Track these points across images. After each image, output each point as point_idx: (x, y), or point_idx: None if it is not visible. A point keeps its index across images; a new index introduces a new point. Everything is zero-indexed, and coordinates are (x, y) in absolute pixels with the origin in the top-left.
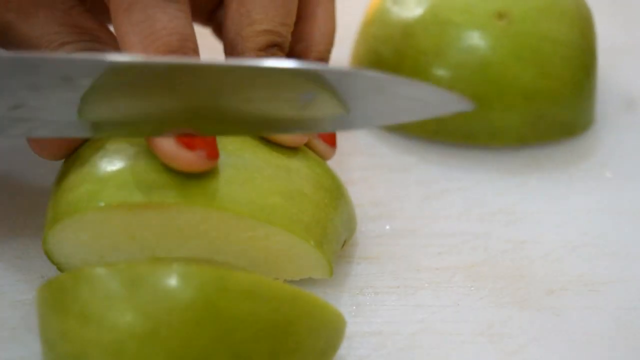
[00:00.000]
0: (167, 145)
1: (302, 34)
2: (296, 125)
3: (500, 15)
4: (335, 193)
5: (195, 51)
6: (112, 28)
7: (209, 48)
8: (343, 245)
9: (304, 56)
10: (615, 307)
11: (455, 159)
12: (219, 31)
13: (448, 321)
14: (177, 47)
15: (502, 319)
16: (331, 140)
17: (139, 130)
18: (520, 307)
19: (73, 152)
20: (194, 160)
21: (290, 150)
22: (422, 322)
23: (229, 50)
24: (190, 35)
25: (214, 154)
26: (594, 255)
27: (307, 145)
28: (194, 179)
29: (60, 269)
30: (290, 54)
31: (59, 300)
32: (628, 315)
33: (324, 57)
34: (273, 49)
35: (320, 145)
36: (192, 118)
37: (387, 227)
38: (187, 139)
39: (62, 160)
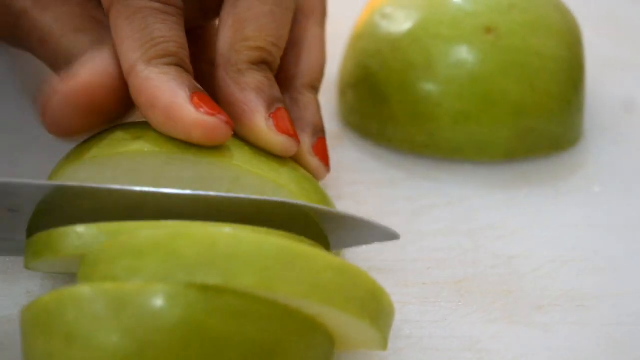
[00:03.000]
0: (188, 113)
1: (296, 58)
2: None
3: (489, 30)
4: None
5: (188, 57)
6: None
7: None
8: None
9: (296, 81)
10: (604, 322)
11: (444, 174)
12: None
13: (436, 337)
14: (174, 52)
15: (490, 335)
16: (325, 159)
17: None
18: (509, 322)
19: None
20: (217, 125)
21: (279, 165)
22: (409, 337)
23: (223, 63)
24: (185, 44)
25: (229, 120)
26: (582, 271)
27: (299, 161)
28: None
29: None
30: (284, 79)
31: (43, 322)
32: (617, 331)
33: (316, 86)
34: (263, 65)
35: (314, 161)
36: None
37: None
38: (205, 106)
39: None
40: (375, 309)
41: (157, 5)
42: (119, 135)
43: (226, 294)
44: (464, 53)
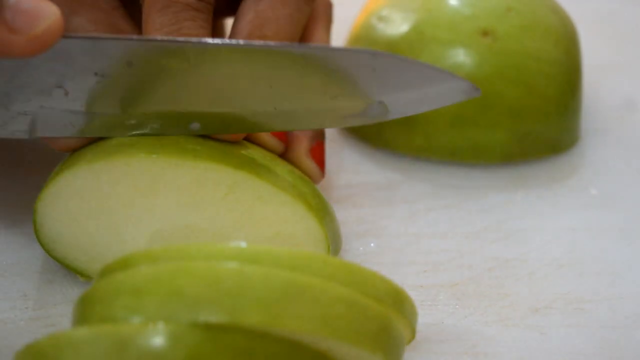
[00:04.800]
0: None
1: None
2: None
3: (485, 33)
4: (321, 211)
5: None
6: None
7: None
8: None
9: None
10: (600, 325)
11: (441, 177)
12: None
13: (432, 340)
14: None
15: (486, 338)
16: (321, 163)
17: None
18: (505, 325)
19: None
20: None
21: (277, 168)
22: None
23: None
24: None
25: None
26: (579, 274)
27: (296, 163)
28: None
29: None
30: None
31: None
32: (613, 334)
33: None
34: None
35: (310, 164)
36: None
37: (372, 244)
38: None
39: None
40: (387, 341)
41: (191, 0)
42: (115, 141)
43: (232, 332)
44: (460, 56)
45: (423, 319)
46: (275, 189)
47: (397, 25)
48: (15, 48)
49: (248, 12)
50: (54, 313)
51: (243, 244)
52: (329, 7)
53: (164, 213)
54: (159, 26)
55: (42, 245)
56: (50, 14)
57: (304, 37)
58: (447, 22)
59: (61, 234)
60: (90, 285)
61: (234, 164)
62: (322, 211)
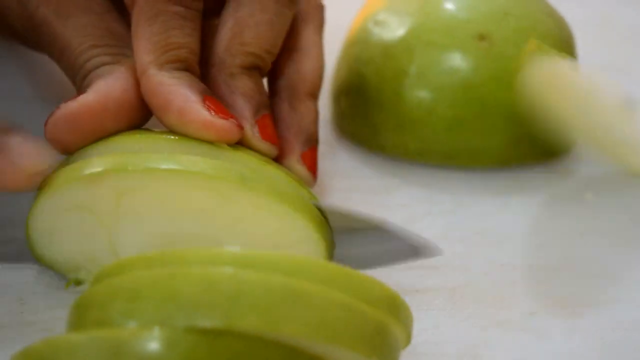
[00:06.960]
0: (202, 115)
1: (298, 65)
2: None
3: (482, 37)
4: (317, 217)
5: (197, 62)
6: None
7: None
8: None
9: (297, 88)
10: (598, 329)
11: (437, 181)
12: None
13: (429, 343)
14: (184, 58)
15: (483, 341)
16: (312, 169)
17: None
18: (502, 329)
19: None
20: (229, 127)
21: (271, 170)
22: None
23: (217, 63)
24: (197, 50)
25: (240, 124)
26: (575, 278)
27: (288, 168)
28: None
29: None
30: (286, 86)
31: None
32: (610, 338)
33: (315, 93)
34: (255, 70)
35: (301, 169)
36: None
37: None
38: (217, 109)
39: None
40: (383, 345)
41: (178, 9)
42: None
43: (228, 337)
44: (457, 60)
45: (419, 324)
46: (272, 200)
47: (394, 30)
48: (14, 183)
49: (228, 20)
50: (49, 317)
51: (239, 249)
52: (319, 9)
53: (156, 222)
54: (148, 35)
55: (37, 259)
56: (48, 156)
57: (292, 38)
58: (443, 27)
59: (54, 249)
60: (86, 290)
61: (231, 177)
62: (318, 216)
